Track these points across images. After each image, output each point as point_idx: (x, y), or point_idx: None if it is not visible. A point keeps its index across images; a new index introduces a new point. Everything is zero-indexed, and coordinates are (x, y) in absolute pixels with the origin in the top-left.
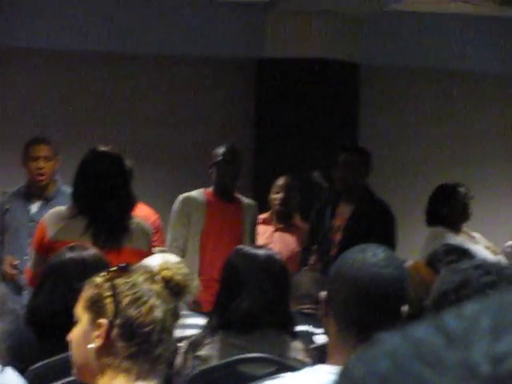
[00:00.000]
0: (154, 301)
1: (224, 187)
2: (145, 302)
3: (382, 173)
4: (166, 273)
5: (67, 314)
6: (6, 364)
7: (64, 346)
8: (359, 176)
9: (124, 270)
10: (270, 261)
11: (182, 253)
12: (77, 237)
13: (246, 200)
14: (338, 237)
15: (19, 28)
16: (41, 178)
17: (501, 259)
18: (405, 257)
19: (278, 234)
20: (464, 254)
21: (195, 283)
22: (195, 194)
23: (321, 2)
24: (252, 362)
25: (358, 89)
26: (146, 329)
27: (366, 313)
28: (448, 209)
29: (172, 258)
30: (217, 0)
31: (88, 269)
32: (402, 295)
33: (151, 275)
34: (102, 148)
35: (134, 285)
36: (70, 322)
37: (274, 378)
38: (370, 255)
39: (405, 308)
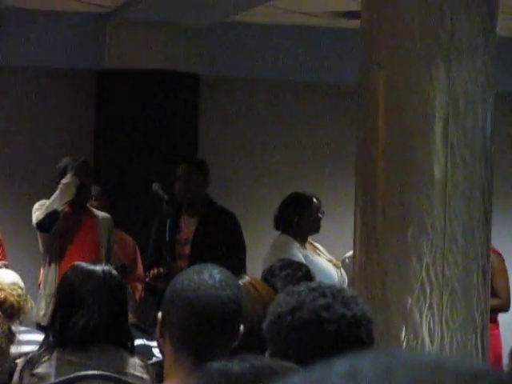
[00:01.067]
0: None
1: (78, 201)
2: None
3: (223, 183)
4: None
5: None
6: None
7: None
8: (199, 187)
9: None
10: (106, 277)
11: None
12: None
13: (99, 213)
14: (186, 250)
15: None
16: None
17: (342, 272)
18: (250, 265)
19: None
20: (299, 268)
21: (29, 304)
22: None
23: (161, 13)
24: (90, 379)
25: (198, 100)
26: None
27: (202, 335)
28: (300, 218)
29: (7, 278)
30: (56, 10)
31: None
32: (239, 316)
33: None
34: None
35: None
36: None
37: None
38: (206, 277)
39: (241, 327)
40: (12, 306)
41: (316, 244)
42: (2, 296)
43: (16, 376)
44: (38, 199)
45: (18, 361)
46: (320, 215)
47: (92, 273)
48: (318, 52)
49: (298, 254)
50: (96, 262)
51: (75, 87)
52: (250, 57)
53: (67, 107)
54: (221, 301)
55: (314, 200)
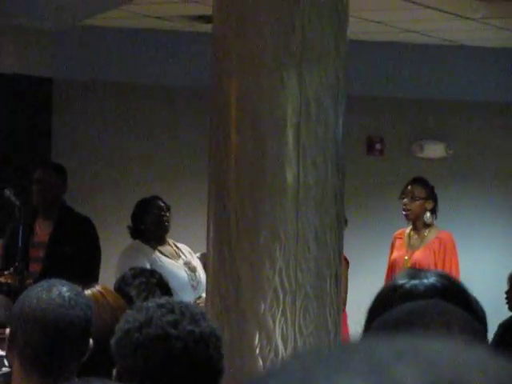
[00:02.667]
0: None
1: None
2: None
3: (77, 188)
4: None
5: None
6: None
7: None
8: (57, 192)
9: None
10: None
11: None
12: None
13: None
14: (40, 253)
15: None
16: None
17: (198, 275)
18: (108, 274)
19: None
20: (152, 275)
21: None
22: None
23: (12, 17)
24: None
25: (51, 104)
26: None
27: (50, 354)
28: (145, 222)
29: None
30: None
31: None
32: (88, 334)
33: None
34: None
35: None
36: None
37: None
38: (55, 295)
39: (91, 342)
40: None
41: (180, 245)
42: None
43: None
44: None
45: None
46: (163, 214)
47: None
48: (173, 56)
49: (144, 259)
50: None
51: None
52: (105, 61)
53: None
54: (70, 320)
55: (155, 202)
